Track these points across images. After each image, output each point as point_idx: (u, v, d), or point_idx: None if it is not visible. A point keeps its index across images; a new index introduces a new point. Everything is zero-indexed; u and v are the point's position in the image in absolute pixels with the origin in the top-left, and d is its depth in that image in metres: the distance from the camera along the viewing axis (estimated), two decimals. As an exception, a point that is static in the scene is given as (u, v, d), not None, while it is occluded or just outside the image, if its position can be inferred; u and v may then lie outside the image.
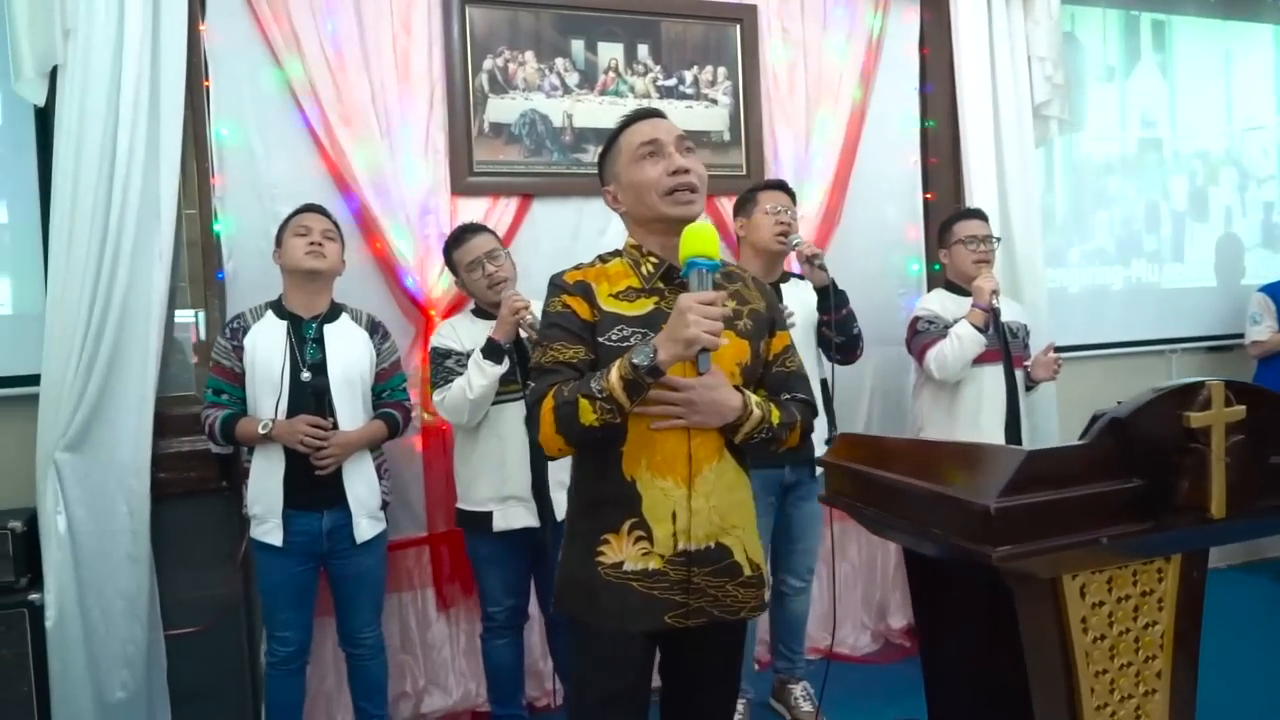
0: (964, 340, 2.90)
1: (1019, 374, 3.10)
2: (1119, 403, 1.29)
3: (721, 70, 3.36)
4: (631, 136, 1.70)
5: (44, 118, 2.52)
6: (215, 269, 2.76)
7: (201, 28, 2.73)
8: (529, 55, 3.11)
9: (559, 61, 3.15)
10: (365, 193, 2.88)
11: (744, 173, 3.35)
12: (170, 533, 2.63)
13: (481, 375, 2.50)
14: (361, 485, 2.49)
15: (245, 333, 2.45)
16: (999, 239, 3.17)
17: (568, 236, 3.19)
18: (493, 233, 2.77)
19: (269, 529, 2.42)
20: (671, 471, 1.59)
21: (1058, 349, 3.84)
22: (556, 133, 3.15)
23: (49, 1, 2.39)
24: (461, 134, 3.01)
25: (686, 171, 1.63)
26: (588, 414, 1.52)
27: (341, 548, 2.47)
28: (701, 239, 1.53)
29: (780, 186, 2.92)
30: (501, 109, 3.08)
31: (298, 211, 2.53)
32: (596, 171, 3.15)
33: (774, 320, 1.76)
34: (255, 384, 2.43)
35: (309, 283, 2.48)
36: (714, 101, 3.35)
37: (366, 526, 2.49)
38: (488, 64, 3.06)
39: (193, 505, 2.64)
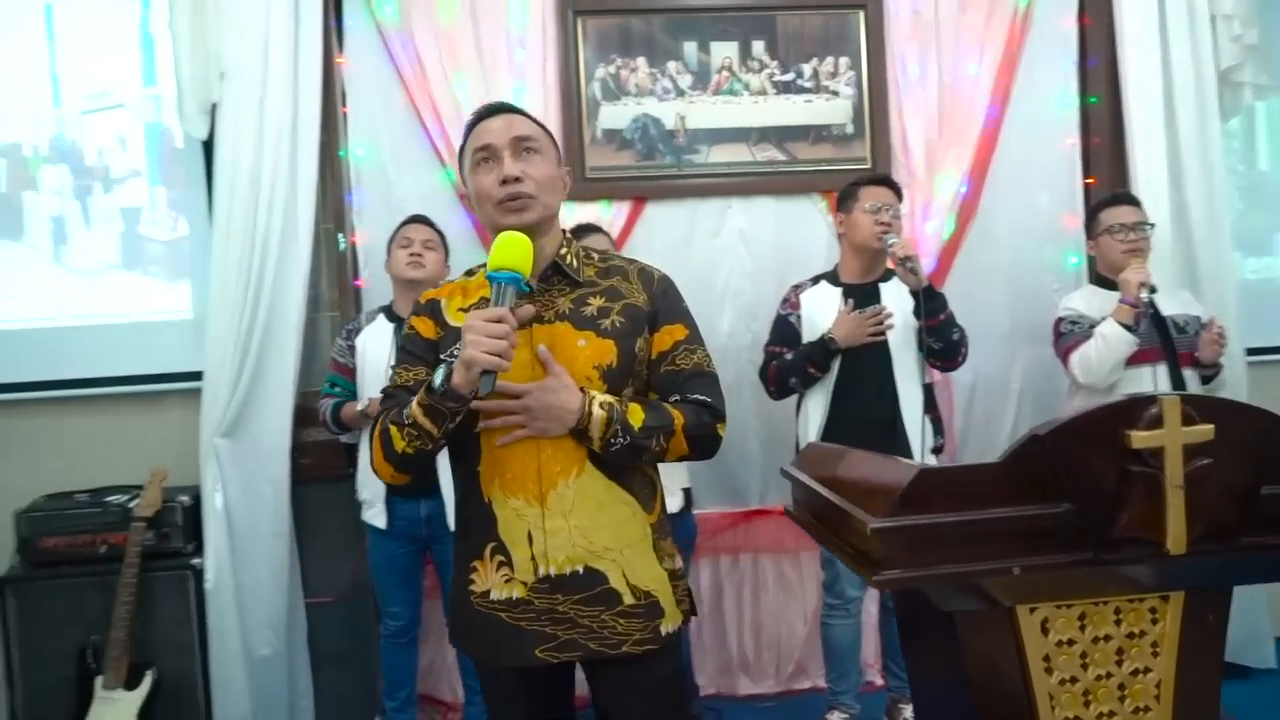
0: (1109, 340, 2.62)
1: (1189, 373, 2.75)
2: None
3: (844, 60, 3.24)
4: (472, 140, 1.57)
5: (210, 148, 2.91)
6: (350, 278, 3.06)
7: (339, 60, 3.04)
8: (640, 61, 3.17)
9: (671, 65, 3.19)
10: (483, 203, 3.07)
11: (868, 165, 3.21)
12: (309, 512, 2.96)
13: None
14: (458, 476, 2.67)
15: (358, 333, 2.71)
16: (1153, 225, 2.82)
17: (681, 237, 3.22)
18: (607, 234, 2.86)
19: (375, 513, 2.67)
20: (522, 489, 1.48)
21: (1260, 350, 3.37)
22: (669, 135, 3.19)
23: (206, 50, 2.77)
24: (574, 142, 3.13)
25: (517, 180, 1.50)
26: (398, 442, 1.47)
27: (439, 534, 2.66)
28: (507, 250, 1.41)
29: (884, 182, 2.78)
30: (614, 115, 3.16)
31: (404, 223, 2.75)
32: (710, 173, 3.21)
33: (656, 314, 1.58)
34: (364, 379, 2.68)
35: (411, 290, 2.69)
36: (835, 94, 3.24)
37: (461, 515, 2.66)
38: (600, 72, 3.16)
39: (327, 489, 2.95)
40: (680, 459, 1.56)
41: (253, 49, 2.81)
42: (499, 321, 1.37)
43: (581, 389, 1.47)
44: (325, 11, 2.92)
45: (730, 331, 3.21)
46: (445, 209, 3.04)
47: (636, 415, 1.48)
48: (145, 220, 3.11)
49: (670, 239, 3.21)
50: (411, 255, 2.66)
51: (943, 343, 2.65)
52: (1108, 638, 1.22)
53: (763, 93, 3.22)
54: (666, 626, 1.54)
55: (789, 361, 2.73)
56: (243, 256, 2.83)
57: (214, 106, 2.83)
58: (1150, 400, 1.06)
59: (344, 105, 3.07)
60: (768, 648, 3.27)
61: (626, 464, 1.51)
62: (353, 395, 2.71)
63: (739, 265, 3.24)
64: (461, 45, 3.07)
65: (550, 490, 1.48)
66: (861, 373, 2.69)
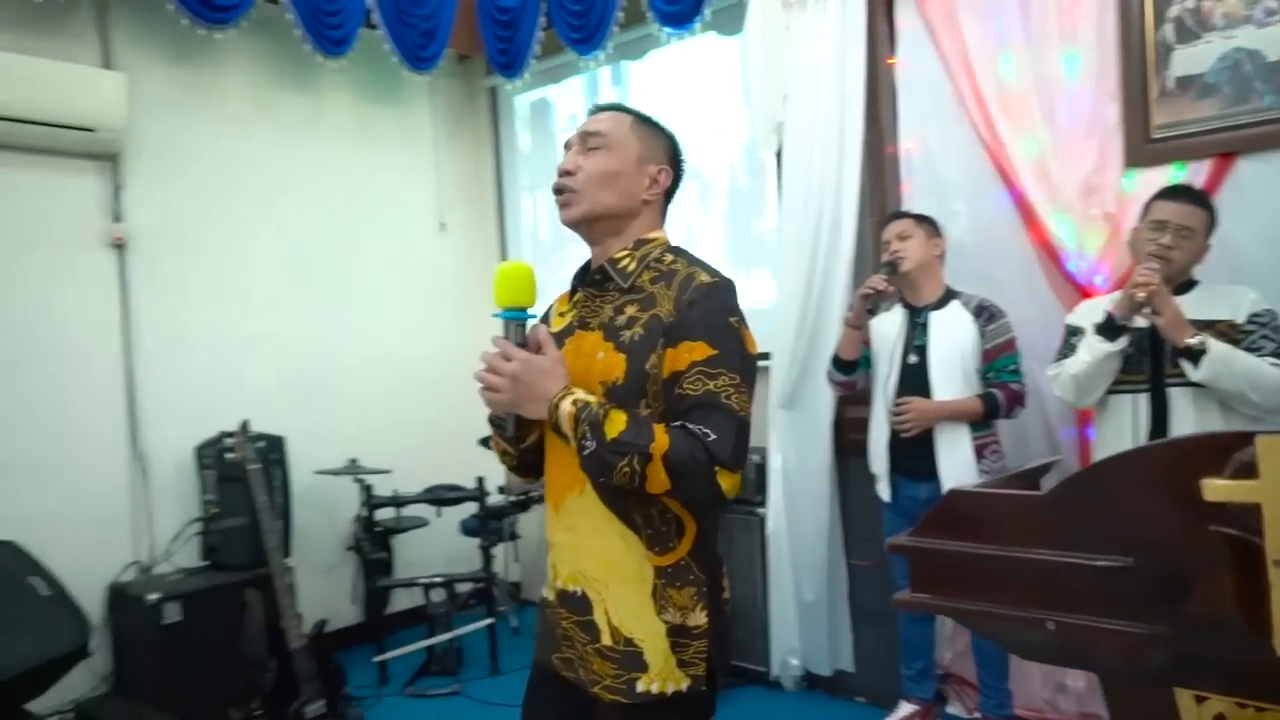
0: None
1: None
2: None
3: None
4: None
5: (779, 160, 3.41)
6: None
7: (890, 61, 3.22)
8: (1232, -17, 2.59)
9: (1278, -21, 2.52)
10: (1024, 181, 2.92)
11: None
12: (854, 481, 3.25)
13: (1087, 351, 2.38)
14: (954, 459, 2.66)
15: (874, 316, 2.89)
16: None
17: (1282, 197, 2.54)
18: (1200, 205, 2.40)
19: (882, 487, 2.85)
20: (550, 494, 1.48)
21: None
22: (1269, 70, 2.54)
23: (772, 79, 3.27)
24: (1137, 99, 2.73)
25: (567, 173, 1.44)
26: (496, 441, 1.55)
27: (939, 516, 2.71)
28: (504, 285, 1.39)
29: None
30: (1191, 59, 2.66)
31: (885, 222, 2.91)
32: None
33: (673, 327, 1.35)
34: (877, 362, 2.87)
35: (907, 283, 2.80)
36: None
37: (958, 501, 2.66)
38: (1173, 11, 2.68)
39: (863, 461, 3.20)
40: (665, 494, 1.32)
41: (808, 72, 3.21)
42: (499, 362, 1.38)
43: (568, 386, 1.37)
44: (871, 20, 3.14)
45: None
46: (987, 189, 3.02)
47: (615, 425, 1.31)
48: (750, 222, 3.80)
49: (1272, 202, 2.56)
50: (892, 253, 2.76)
51: None
52: (1332, 767, 0.87)
53: None
54: (647, 684, 1.36)
55: None
56: (800, 252, 3.26)
57: (779, 125, 3.31)
58: (1243, 437, 0.76)
59: (895, 103, 3.23)
60: None
61: (600, 481, 1.36)
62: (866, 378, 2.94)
63: (1379, 229, 2.41)
64: (1008, 19, 2.95)
65: (561, 502, 1.45)
66: None
